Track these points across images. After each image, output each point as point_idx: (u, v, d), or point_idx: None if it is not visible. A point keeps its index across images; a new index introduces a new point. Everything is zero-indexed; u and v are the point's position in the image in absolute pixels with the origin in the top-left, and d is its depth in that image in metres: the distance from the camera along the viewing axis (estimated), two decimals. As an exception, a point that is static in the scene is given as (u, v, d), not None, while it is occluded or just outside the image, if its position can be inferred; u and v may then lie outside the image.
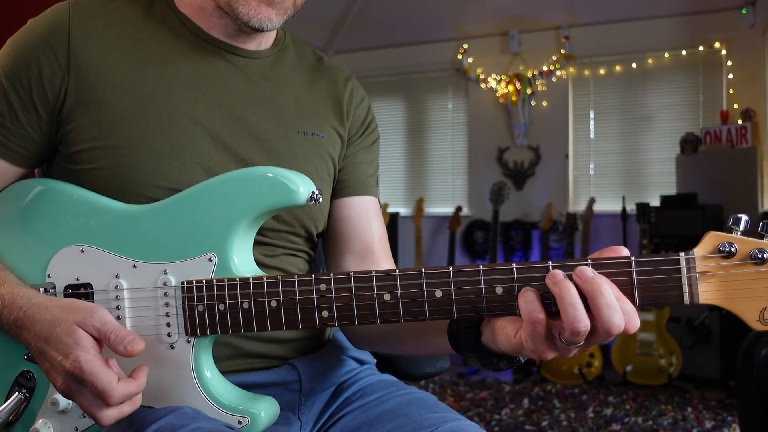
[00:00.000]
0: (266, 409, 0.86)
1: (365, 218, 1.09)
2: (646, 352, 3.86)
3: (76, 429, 0.87)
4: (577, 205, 5.00)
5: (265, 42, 1.04)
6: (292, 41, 1.11)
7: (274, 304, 0.81)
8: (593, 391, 3.84)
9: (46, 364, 0.81)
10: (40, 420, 0.88)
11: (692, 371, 3.87)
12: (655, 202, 4.26)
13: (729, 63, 4.56)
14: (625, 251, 0.73)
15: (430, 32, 5.35)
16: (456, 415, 0.94)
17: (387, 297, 0.78)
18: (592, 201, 4.62)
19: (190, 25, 0.99)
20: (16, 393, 0.89)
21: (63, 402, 0.86)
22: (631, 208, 4.49)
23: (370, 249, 1.07)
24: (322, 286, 0.80)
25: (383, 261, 1.07)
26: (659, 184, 4.71)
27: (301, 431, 0.98)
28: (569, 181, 5.06)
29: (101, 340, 0.80)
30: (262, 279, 0.82)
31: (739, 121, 4.30)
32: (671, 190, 4.43)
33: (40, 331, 0.81)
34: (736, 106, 4.49)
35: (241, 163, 0.95)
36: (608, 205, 4.84)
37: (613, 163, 4.97)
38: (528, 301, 0.71)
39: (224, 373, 0.89)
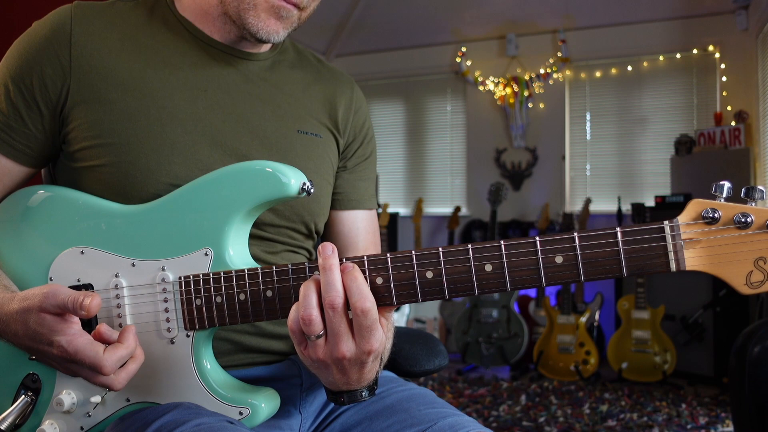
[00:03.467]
0: (266, 400, 0.86)
1: (354, 234, 1.12)
2: (641, 349, 3.89)
3: (81, 428, 0.89)
4: (574, 206, 5.03)
5: (264, 45, 1.05)
6: (291, 45, 1.12)
7: (269, 293, 0.82)
8: (589, 388, 3.87)
9: (43, 358, 0.82)
10: (47, 421, 0.89)
11: (686, 368, 3.89)
12: (650, 203, 4.29)
13: (722, 66, 4.58)
14: None
15: (429, 36, 5.38)
16: (454, 411, 0.94)
17: (379, 281, 0.78)
18: (588, 201, 4.64)
19: (190, 27, 1.00)
20: (23, 396, 0.89)
21: (67, 402, 0.87)
22: (626, 208, 4.53)
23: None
24: (316, 274, 0.79)
25: None
26: (654, 184, 4.74)
27: (301, 425, 0.99)
28: (566, 182, 5.08)
29: (66, 315, 0.79)
30: (257, 270, 0.83)
31: (733, 123, 4.33)
32: (666, 191, 4.46)
33: (22, 332, 0.82)
34: (729, 108, 4.51)
35: (242, 160, 0.95)
36: (604, 205, 4.87)
37: (609, 164, 5.00)
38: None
39: (226, 368, 0.90)
